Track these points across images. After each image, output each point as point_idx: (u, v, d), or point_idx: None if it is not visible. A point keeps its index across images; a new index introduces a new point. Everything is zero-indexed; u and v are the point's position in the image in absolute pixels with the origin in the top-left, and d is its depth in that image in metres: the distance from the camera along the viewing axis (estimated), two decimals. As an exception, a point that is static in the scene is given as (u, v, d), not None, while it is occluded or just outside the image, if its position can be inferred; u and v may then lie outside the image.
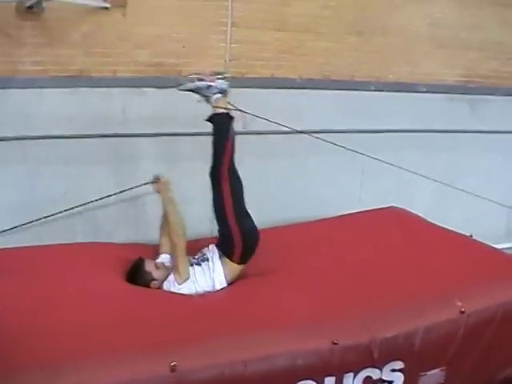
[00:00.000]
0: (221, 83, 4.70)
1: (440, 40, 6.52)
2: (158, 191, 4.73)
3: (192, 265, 4.61)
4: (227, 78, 4.75)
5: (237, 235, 4.61)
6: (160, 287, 4.52)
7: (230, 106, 4.77)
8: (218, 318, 3.93)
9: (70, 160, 5.32)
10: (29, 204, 5.21)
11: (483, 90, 6.85)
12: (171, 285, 4.51)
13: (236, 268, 4.65)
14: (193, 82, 4.68)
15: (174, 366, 3.42)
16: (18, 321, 3.67)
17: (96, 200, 5.30)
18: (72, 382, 3.29)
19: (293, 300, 4.24)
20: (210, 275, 4.57)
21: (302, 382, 3.74)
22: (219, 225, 4.74)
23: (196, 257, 4.71)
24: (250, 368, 3.60)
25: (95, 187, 5.39)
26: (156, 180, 4.75)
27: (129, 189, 5.27)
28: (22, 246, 4.72)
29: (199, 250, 4.78)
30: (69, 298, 4.02)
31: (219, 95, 4.69)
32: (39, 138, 5.18)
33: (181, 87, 4.74)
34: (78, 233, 5.35)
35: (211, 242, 4.82)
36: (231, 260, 4.63)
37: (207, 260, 4.66)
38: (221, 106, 4.69)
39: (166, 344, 3.58)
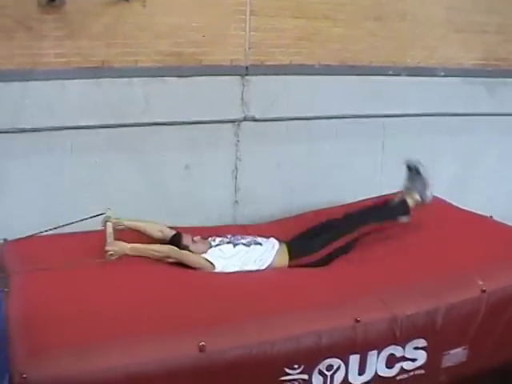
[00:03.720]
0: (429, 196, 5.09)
1: (457, 24, 6.49)
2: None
3: (234, 246, 4.67)
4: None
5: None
6: None
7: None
8: (246, 299, 3.98)
9: (93, 150, 5.38)
10: (53, 194, 5.30)
11: (501, 72, 6.82)
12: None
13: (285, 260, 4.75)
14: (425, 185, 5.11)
15: (203, 346, 3.49)
16: (53, 305, 3.74)
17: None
18: (101, 361, 3.37)
19: (317, 280, 4.32)
20: (260, 257, 4.65)
21: (328, 360, 3.81)
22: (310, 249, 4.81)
23: (242, 239, 4.77)
24: (277, 348, 3.66)
25: (119, 176, 5.48)
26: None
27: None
28: (54, 233, 4.75)
29: (238, 234, 4.86)
30: (99, 280, 4.09)
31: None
32: (63, 129, 5.24)
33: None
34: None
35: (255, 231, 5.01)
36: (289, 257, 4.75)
37: (260, 244, 4.73)
38: (412, 205, 5.07)
39: (194, 324, 3.65)
